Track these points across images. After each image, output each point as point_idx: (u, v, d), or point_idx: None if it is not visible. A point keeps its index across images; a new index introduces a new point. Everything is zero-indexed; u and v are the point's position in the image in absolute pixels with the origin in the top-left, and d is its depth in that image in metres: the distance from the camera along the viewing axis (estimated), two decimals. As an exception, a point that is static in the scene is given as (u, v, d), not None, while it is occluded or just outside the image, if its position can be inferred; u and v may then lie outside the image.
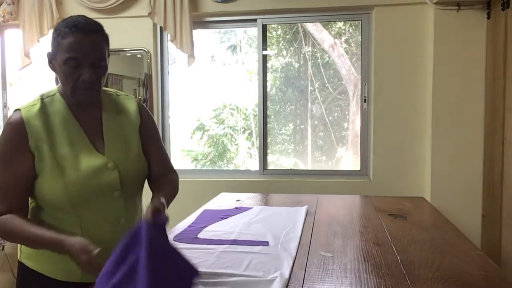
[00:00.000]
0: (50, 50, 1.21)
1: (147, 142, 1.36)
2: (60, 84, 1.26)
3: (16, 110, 1.21)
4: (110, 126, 1.29)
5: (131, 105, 1.36)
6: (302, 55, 3.56)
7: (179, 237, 1.60)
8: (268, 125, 3.37)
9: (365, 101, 3.16)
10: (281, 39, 3.66)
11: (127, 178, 1.26)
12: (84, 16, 1.21)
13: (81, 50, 1.15)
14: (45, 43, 3.34)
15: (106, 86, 1.32)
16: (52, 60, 1.20)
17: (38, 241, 1.13)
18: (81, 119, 1.25)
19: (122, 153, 1.28)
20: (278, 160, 3.61)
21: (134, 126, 1.33)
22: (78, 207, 1.19)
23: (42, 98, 1.24)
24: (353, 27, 3.46)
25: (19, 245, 1.29)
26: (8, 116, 1.23)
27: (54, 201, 1.18)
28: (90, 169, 1.20)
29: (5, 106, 3.62)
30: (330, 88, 3.55)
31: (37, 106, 1.21)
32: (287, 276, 1.22)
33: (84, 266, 1.06)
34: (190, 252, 1.42)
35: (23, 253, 1.27)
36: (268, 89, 3.39)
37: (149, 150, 1.36)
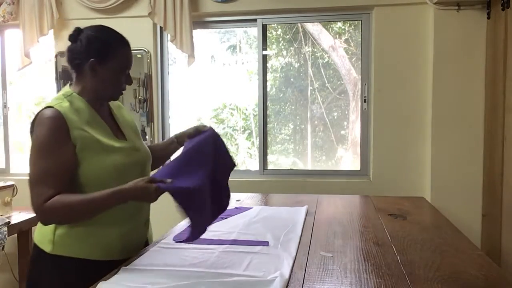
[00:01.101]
0: (91, 56, 1.32)
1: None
2: (73, 85, 1.39)
3: (46, 107, 1.29)
4: (121, 119, 1.50)
5: (119, 103, 1.57)
6: (302, 55, 3.56)
7: (179, 237, 1.60)
8: (268, 125, 3.37)
9: (365, 101, 3.16)
10: (281, 39, 3.66)
11: (147, 160, 1.50)
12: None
13: (131, 61, 1.41)
14: (45, 43, 3.34)
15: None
16: (96, 65, 1.33)
17: (96, 201, 1.24)
18: (100, 114, 1.41)
19: (137, 140, 1.49)
20: (278, 160, 3.61)
21: (133, 121, 1.58)
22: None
23: (65, 97, 1.34)
24: (353, 27, 3.46)
25: (49, 238, 1.32)
26: (41, 113, 1.29)
27: (104, 179, 1.29)
28: (125, 151, 1.39)
29: (5, 106, 3.61)
30: (330, 88, 3.55)
31: (66, 103, 1.32)
32: (287, 276, 1.21)
33: (154, 195, 1.20)
34: (190, 252, 1.42)
35: (56, 245, 1.31)
36: (268, 89, 3.39)
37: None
